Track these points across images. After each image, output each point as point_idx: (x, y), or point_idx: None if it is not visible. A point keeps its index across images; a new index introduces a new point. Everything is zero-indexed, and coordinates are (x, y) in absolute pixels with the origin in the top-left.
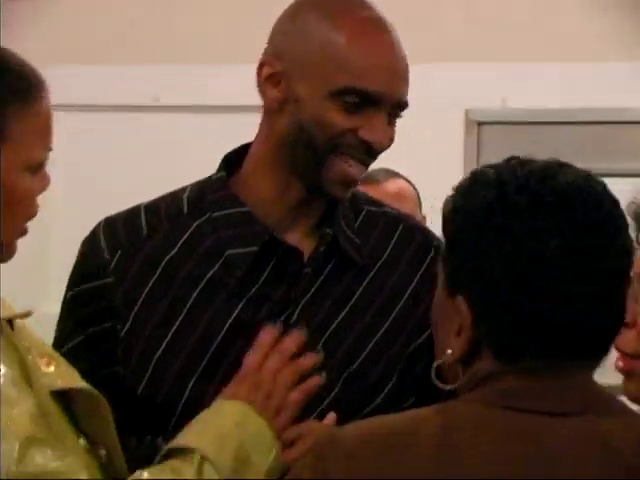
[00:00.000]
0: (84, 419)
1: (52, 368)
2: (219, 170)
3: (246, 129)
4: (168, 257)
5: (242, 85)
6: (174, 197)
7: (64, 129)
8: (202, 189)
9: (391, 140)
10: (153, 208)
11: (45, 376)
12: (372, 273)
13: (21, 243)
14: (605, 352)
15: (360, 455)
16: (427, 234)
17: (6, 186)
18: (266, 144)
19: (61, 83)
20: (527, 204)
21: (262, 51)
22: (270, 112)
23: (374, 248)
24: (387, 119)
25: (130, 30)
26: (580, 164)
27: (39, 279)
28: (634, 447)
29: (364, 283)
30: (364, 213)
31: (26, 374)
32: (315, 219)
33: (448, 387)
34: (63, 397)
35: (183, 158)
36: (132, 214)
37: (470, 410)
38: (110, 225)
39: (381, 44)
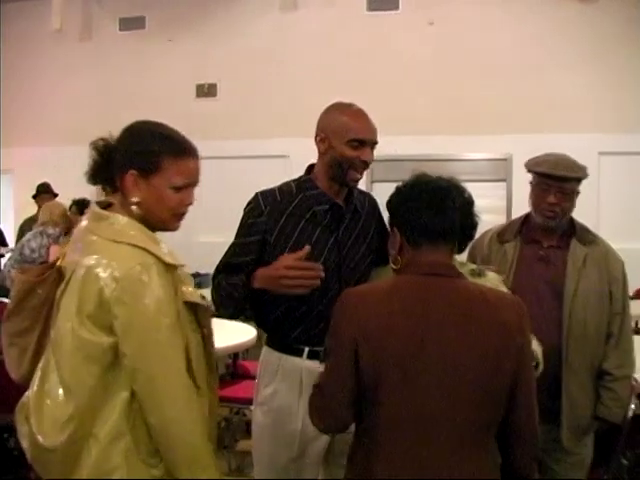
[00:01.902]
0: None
1: (189, 288)
2: (306, 174)
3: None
4: (290, 209)
5: None
6: (286, 185)
7: None
8: (299, 182)
9: (372, 160)
10: (283, 187)
11: (183, 293)
12: (362, 218)
13: None
14: (454, 238)
15: (356, 297)
16: (374, 199)
17: (159, 195)
18: (321, 166)
19: None
20: (413, 189)
21: None
22: (320, 152)
23: (362, 207)
24: (370, 151)
25: None
26: None
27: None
28: (501, 299)
29: (360, 222)
30: (358, 192)
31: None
32: (344, 194)
33: (394, 267)
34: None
35: None
36: (272, 191)
37: (403, 278)
38: (263, 194)
39: (364, 119)
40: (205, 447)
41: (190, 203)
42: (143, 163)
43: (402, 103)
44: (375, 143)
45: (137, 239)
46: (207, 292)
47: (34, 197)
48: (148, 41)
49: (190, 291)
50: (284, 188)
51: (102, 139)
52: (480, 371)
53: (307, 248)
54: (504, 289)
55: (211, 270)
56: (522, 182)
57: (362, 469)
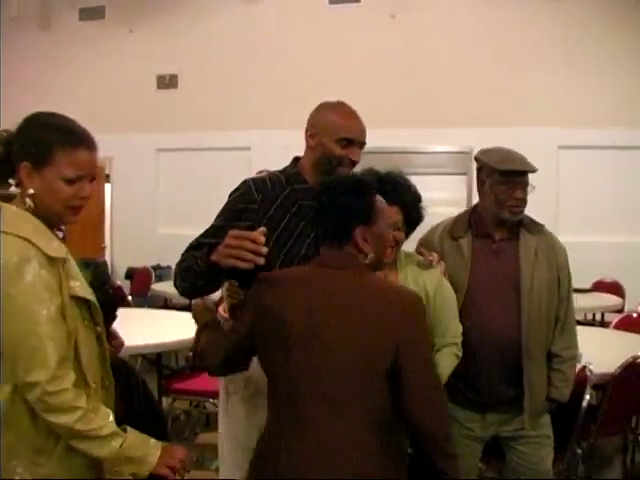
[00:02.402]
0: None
1: (77, 283)
2: (292, 166)
3: None
4: (279, 200)
5: None
6: (275, 176)
7: None
8: (287, 174)
9: (359, 159)
10: (273, 177)
11: (71, 288)
12: None
13: None
14: (348, 237)
15: (272, 280)
16: None
17: (51, 187)
18: (309, 160)
19: None
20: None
21: None
22: (308, 146)
23: None
24: (359, 150)
25: None
26: None
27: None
28: (388, 294)
29: None
30: None
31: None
32: None
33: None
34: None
35: None
36: (262, 179)
37: (303, 268)
38: (255, 182)
39: (354, 119)
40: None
41: (85, 196)
42: (35, 154)
43: (363, 96)
44: (364, 143)
45: (22, 230)
46: (167, 285)
47: None
48: (108, 31)
49: (79, 285)
50: (274, 178)
51: (5, 130)
52: (351, 360)
53: (262, 229)
54: (446, 283)
55: (172, 262)
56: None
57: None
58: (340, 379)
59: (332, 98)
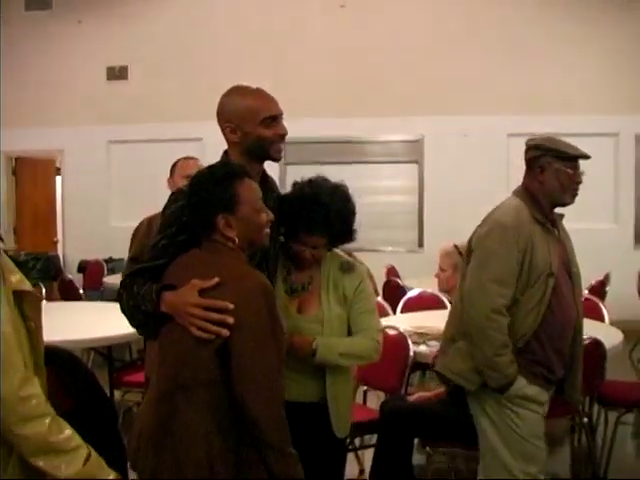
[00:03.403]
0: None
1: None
2: (223, 157)
3: None
4: None
5: None
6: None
7: None
8: (226, 162)
9: (287, 131)
10: None
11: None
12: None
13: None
14: (212, 225)
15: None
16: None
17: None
18: (237, 154)
19: None
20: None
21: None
22: (232, 142)
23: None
24: (283, 123)
25: None
26: None
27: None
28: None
29: (272, 201)
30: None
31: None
32: (260, 178)
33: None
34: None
35: None
36: None
37: (192, 252)
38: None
39: (266, 96)
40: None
41: None
42: None
43: (315, 85)
44: (282, 114)
45: None
46: (119, 278)
47: None
48: (56, 22)
49: (18, 279)
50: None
51: None
52: (187, 335)
53: (215, 280)
54: (367, 286)
55: (124, 255)
56: (433, 163)
57: None
58: (176, 354)
59: (282, 87)
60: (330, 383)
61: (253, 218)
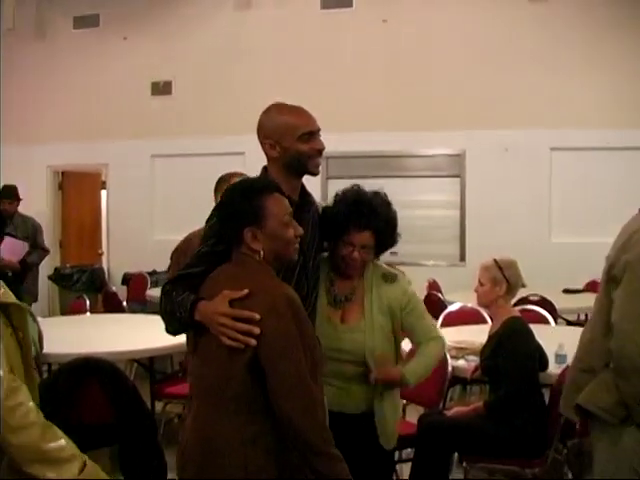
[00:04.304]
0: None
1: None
2: (262, 172)
3: None
4: None
5: None
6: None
7: None
8: (260, 177)
9: (324, 147)
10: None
11: None
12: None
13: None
14: (240, 238)
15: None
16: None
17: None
18: (277, 169)
19: None
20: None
21: None
22: (272, 157)
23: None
24: (320, 138)
25: None
26: None
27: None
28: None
29: (310, 214)
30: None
31: None
32: (299, 192)
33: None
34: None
35: None
36: None
37: (223, 267)
38: None
39: (303, 112)
40: None
41: None
42: None
43: (358, 100)
44: (319, 130)
45: None
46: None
47: None
48: (103, 39)
49: (2, 292)
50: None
51: None
52: (221, 348)
53: (245, 291)
54: (413, 293)
55: (166, 268)
56: (475, 177)
57: None
58: (211, 367)
59: (325, 102)
60: (378, 394)
61: (280, 232)
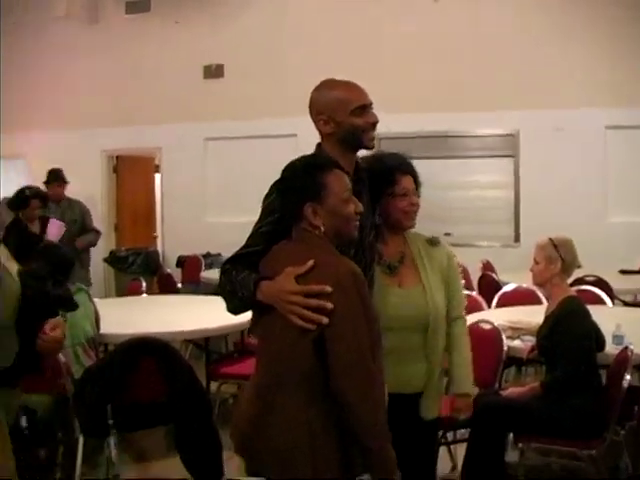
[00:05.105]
0: None
1: None
2: (317, 149)
3: None
4: None
5: None
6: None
7: None
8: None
9: (378, 120)
10: None
11: None
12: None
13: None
14: (300, 213)
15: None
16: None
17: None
18: (332, 145)
19: None
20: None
21: None
22: (326, 133)
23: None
24: (373, 111)
25: None
26: None
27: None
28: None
29: (366, 188)
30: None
31: None
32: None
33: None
34: None
35: None
36: None
37: (283, 243)
38: None
39: (354, 86)
40: None
41: None
42: None
43: (409, 80)
44: (371, 103)
45: None
46: (217, 272)
47: (46, 183)
48: (154, 23)
49: None
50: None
51: None
52: (287, 328)
53: (310, 263)
54: (454, 258)
55: (221, 250)
56: (529, 157)
57: None
58: (274, 346)
59: (377, 83)
60: (426, 371)
61: (340, 208)
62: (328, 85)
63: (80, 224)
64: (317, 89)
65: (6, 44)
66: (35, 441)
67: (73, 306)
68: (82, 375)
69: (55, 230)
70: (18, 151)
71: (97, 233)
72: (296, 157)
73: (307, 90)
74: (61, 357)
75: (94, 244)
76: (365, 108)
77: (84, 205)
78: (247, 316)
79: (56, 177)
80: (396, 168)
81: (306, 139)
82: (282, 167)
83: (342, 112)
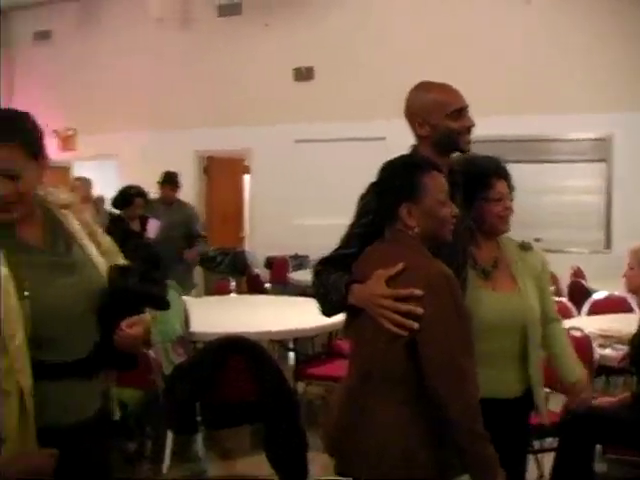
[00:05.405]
0: None
1: None
2: (412, 151)
3: None
4: None
5: None
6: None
7: None
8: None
9: (474, 124)
10: None
11: None
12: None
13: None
14: (395, 213)
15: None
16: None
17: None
18: (427, 148)
19: None
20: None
21: None
22: (421, 136)
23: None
24: (469, 115)
25: None
26: None
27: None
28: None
29: (460, 191)
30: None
31: None
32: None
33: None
34: None
35: None
36: None
37: (375, 245)
38: None
39: (451, 90)
40: None
41: (6, 193)
42: None
43: (498, 83)
44: (467, 106)
45: None
46: (304, 274)
47: (159, 183)
48: (245, 26)
49: None
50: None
51: None
52: (379, 332)
53: (400, 266)
54: (547, 263)
55: (309, 252)
56: (623, 162)
57: None
58: (366, 348)
59: (466, 85)
60: (534, 371)
61: (436, 210)
62: (424, 87)
63: (187, 228)
64: (413, 90)
65: (103, 46)
66: (125, 435)
67: (164, 305)
68: (172, 372)
69: (154, 229)
70: (112, 151)
71: (204, 239)
72: (385, 160)
73: (397, 92)
74: (152, 353)
75: (203, 253)
76: (461, 111)
77: (194, 211)
78: (335, 318)
79: (169, 180)
80: (492, 172)
81: (395, 142)
82: (371, 170)
83: (438, 115)
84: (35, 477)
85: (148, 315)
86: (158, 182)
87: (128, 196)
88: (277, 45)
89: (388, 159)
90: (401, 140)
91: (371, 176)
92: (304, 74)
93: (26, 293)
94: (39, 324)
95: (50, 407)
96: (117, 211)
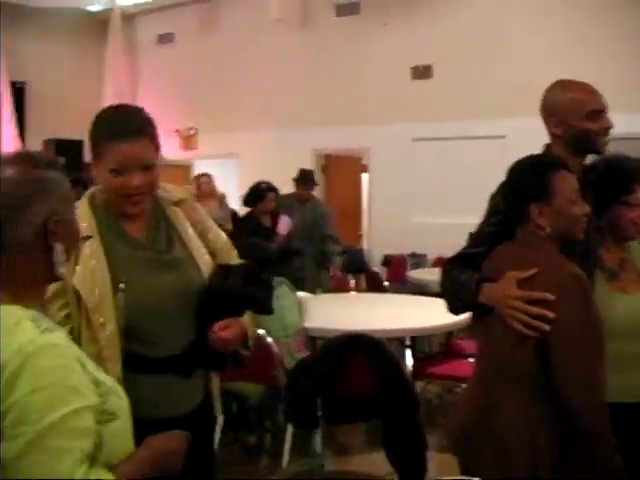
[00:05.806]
0: None
1: None
2: (545, 150)
3: None
4: None
5: None
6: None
7: None
8: (546, 153)
9: (612, 125)
10: None
11: None
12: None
13: None
14: (526, 214)
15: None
16: None
17: (103, 178)
18: (561, 147)
19: None
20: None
21: None
22: (556, 135)
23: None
24: (608, 117)
25: None
26: None
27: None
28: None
29: (591, 191)
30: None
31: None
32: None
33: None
34: None
35: None
36: None
37: (505, 246)
38: None
39: (590, 89)
40: None
41: (134, 185)
42: (92, 150)
43: (615, 80)
44: (606, 108)
45: None
46: (422, 272)
47: (295, 181)
48: (363, 26)
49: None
50: None
51: None
52: (508, 331)
53: (532, 270)
54: None
55: (426, 251)
56: None
57: None
58: (495, 348)
59: (601, 84)
60: None
61: (567, 209)
62: (562, 86)
63: (320, 227)
64: (550, 89)
65: (224, 47)
66: (245, 428)
67: (265, 309)
68: (295, 367)
69: (285, 226)
70: (232, 150)
71: (332, 239)
72: (504, 159)
73: (517, 91)
74: (275, 349)
75: (338, 251)
76: (600, 113)
77: (327, 210)
78: (455, 318)
79: (305, 178)
80: (636, 177)
81: (515, 141)
82: (489, 168)
83: (575, 115)
84: (169, 459)
85: (247, 318)
86: (293, 179)
87: (260, 191)
88: (395, 44)
89: (513, 158)
90: (521, 139)
91: (490, 174)
92: (422, 72)
93: (121, 286)
94: (132, 317)
95: (142, 400)
96: (235, 209)
